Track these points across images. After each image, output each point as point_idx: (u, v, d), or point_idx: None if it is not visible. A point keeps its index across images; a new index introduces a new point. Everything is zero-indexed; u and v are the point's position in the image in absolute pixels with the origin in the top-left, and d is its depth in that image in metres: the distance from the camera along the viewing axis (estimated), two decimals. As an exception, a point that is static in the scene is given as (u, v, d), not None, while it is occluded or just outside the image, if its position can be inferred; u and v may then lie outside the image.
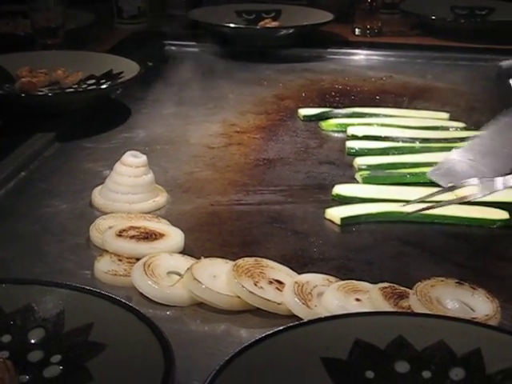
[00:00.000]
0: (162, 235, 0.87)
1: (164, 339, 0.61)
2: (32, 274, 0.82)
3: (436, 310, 0.72)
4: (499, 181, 0.93)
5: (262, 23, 1.87)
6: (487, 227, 0.96)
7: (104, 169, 1.08)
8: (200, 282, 0.76)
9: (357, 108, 1.35)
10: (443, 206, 0.94)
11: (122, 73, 1.36)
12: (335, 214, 0.97)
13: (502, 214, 0.97)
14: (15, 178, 1.07)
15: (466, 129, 1.26)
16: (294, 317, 0.74)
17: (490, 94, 1.31)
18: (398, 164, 1.11)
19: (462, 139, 1.18)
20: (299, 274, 0.81)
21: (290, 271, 0.82)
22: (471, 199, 0.93)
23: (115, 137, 1.24)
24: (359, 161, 1.13)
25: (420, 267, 0.89)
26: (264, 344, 0.61)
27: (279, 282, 0.78)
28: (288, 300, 0.75)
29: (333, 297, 0.76)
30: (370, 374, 0.62)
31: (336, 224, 0.96)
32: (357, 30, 1.90)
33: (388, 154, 1.16)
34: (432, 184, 1.02)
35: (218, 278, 0.78)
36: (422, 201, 0.95)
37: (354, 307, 0.74)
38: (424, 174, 1.06)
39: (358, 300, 0.76)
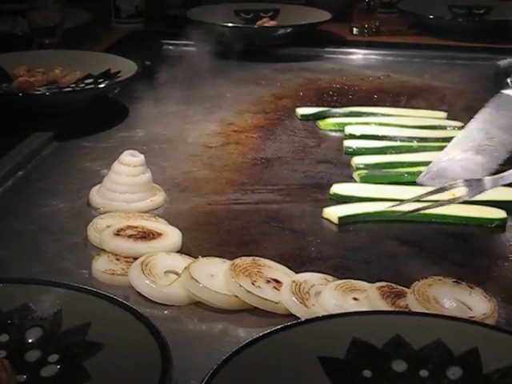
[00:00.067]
0: (159, 234, 0.87)
1: (161, 338, 0.61)
2: (30, 274, 0.82)
3: (433, 309, 0.72)
4: (488, 181, 0.93)
5: (259, 22, 1.87)
6: (485, 226, 0.96)
7: (102, 168, 1.08)
8: (197, 281, 0.76)
9: (354, 107, 1.35)
10: (439, 206, 0.94)
11: (119, 72, 1.36)
12: (333, 213, 0.97)
13: (500, 213, 0.97)
14: (13, 177, 1.07)
15: (463, 128, 1.25)
16: (291, 316, 0.74)
17: (488, 93, 1.31)
18: (396, 163, 1.11)
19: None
20: (297, 273, 0.81)
21: (288, 270, 0.82)
22: (463, 200, 0.93)
23: (113, 136, 1.24)
24: (357, 160, 1.13)
25: (417, 266, 0.89)
26: (261, 343, 0.61)
27: (277, 281, 0.78)
28: (285, 299, 0.75)
29: (330, 296, 0.76)
30: (367, 373, 0.62)
31: (334, 223, 0.96)
32: (355, 29, 1.90)
33: (386, 153, 1.16)
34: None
35: (215, 277, 0.79)
36: (418, 200, 0.95)
37: (351, 306, 0.74)
38: (422, 173, 1.06)
39: (355, 299, 0.76)
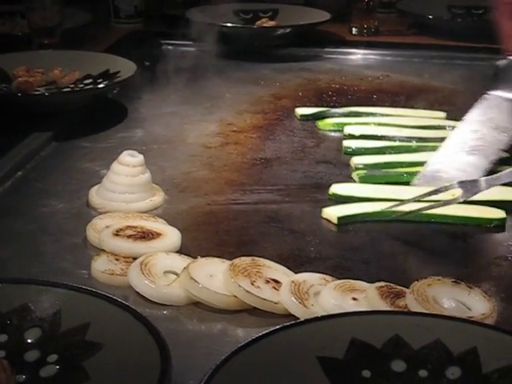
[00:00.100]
0: (158, 234, 0.87)
1: (160, 339, 0.61)
2: (29, 274, 0.82)
3: (432, 309, 0.72)
4: (483, 181, 0.93)
5: (259, 22, 1.87)
6: (484, 226, 0.96)
7: (101, 168, 1.08)
8: (197, 281, 0.76)
9: (354, 107, 1.35)
10: (437, 207, 0.94)
11: (118, 72, 1.36)
12: (332, 213, 0.97)
13: (499, 213, 0.97)
14: (12, 177, 1.07)
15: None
16: (290, 316, 0.74)
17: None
18: (395, 163, 1.11)
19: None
20: (296, 273, 0.81)
21: (287, 270, 0.82)
22: (460, 201, 0.93)
23: (112, 136, 1.24)
24: (356, 160, 1.13)
25: (416, 266, 0.89)
26: (260, 343, 0.61)
27: (276, 282, 0.78)
28: (285, 299, 0.75)
29: (329, 296, 0.76)
30: (366, 373, 0.62)
31: (333, 223, 0.96)
32: (354, 29, 1.90)
33: (385, 153, 1.16)
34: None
35: (214, 277, 0.79)
36: (417, 200, 0.96)
37: (350, 306, 0.74)
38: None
39: (354, 299, 0.76)
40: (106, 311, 0.65)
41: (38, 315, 0.67)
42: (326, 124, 1.29)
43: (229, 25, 1.80)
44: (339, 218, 0.96)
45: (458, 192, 0.94)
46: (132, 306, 0.66)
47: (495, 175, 0.95)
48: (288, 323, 0.64)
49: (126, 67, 1.37)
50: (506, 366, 0.61)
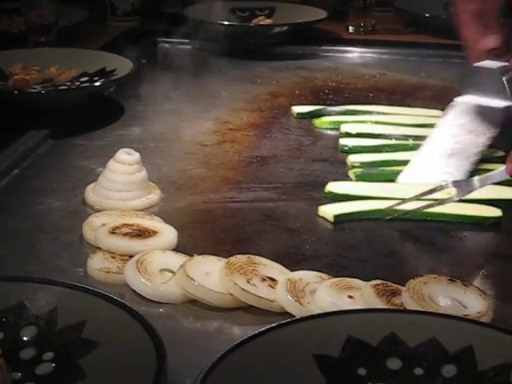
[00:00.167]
0: (154, 232, 0.87)
1: (156, 336, 0.61)
2: (25, 272, 0.82)
3: (428, 307, 0.72)
4: (476, 180, 0.94)
5: (255, 20, 1.87)
6: (480, 224, 0.97)
7: (97, 166, 1.08)
8: (193, 279, 0.76)
9: (350, 105, 1.35)
10: (432, 206, 0.95)
11: (115, 70, 1.36)
12: (328, 211, 0.97)
13: (495, 212, 0.97)
14: (8, 175, 1.07)
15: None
16: (286, 314, 0.74)
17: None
18: (392, 161, 1.11)
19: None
20: (292, 271, 0.81)
21: (283, 268, 0.82)
22: (454, 200, 0.94)
23: (108, 134, 1.24)
24: (352, 158, 1.13)
25: (412, 264, 0.89)
26: (256, 341, 0.61)
27: (272, 280, 0.78)
28: (281, 297, 0.75)
29: (325, 294, 0.76)
30: (362, 371, 0.62)
31: (329, 221, 0.96)
32: (350, 27, 1.90)
33: (381, 152, 1.16)
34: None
35: (210, 275, 0.79)
36: (413, 199, 0.96)
37: (346, 304, 0.74)
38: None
39: (350, 297, 0.76)
40: (102, 309, 0.65)
41: (33, 313, 0.67)
42: (322, 122, 1.29)
43: (225, 23, 1.79)
44: (335, 216, 0.96)
45: (452, 191, 0.94)
46: (128, 303, 0.66)
47: (488, 174, 0.96)
48: (284, 321, 0.64)
49: (122, 65, 1.37)
50: (502, 364, 0.61)
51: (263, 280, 0.78)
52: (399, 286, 0.77)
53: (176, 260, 0.82)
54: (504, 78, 1.10)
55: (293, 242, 0.91)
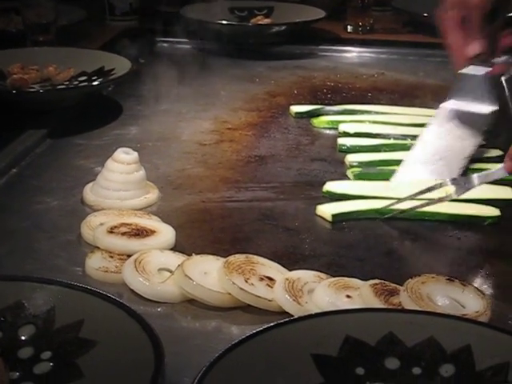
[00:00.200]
0: (153, 232, 0.87)
1: (154, 336, 0.61)
2: (23, 271, 0.82)
3: (426, 307, 0.72)
4: (475, 178, 0.94)
5: (254, 20, 1.87)
6: (478, 224, 0.97)
7: (95, 165, 1.08)
8: (191, 278, 0.76)
9: (348, 105, 1.35)
10: (430, 204, 0.95)
11: (113, 70, 1.36)
12: (326, 210, 0.97)
13: (493, 211, 0.97)
14: (6, 174, 1.07)
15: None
16: (284, 313, 0.74)
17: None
18: (390, 161, 1.11)
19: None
20: (290, 270, 0.81)
21: (281, 268, 0.82)
22: (452, 198, 0.94)
23: (107, 133, 1.24)
24: (351, 158, 1.13)
25: (411, 264, 0.89)
26: (255, 340, 0.61)
27: (270, 279, 0.78)
28: (279, 297, 0.75)
29: (323, 293, 0.76)
30: (360, 371, 0.62)
31: (327, 221, 0.96)
32: (349, 27, 1.90)
33: (380, 151, 1.16)
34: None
35: (208, 274, 0.79)
36: (412, 198, 0.96)
37: (344, 304, 0.74)
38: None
39: (348, 297, 0.76)
40: (100, 308, 0.65)
41: (31, 312, 0.67)
42: (320, 122, 1.29)
43: (224, 22, 1.80)
44: (333, 216, 0.96)
45: (451, 189, 0.94)
46: (126, 303, 0.66)
47: (486, 172, 0.96)
48: (282, 320, 0.64)
49: (120, 64, 1.37)
50: (500, 363, 0.61)
51: (261, 279, 0.78)
52: (397, 286, 0.77)
53: (174, 259, 0.82)
54: (503, 79, 1.10)
55: (291, 242, 0.91)
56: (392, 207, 0.96)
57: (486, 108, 1.11)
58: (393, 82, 1.55)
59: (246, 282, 0.77)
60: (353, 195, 1.01)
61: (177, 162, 1.14)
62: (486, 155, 1.13)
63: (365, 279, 0.78)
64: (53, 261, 0.86)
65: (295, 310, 0.74)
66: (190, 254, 0.82)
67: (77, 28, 1.77)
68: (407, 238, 0.94)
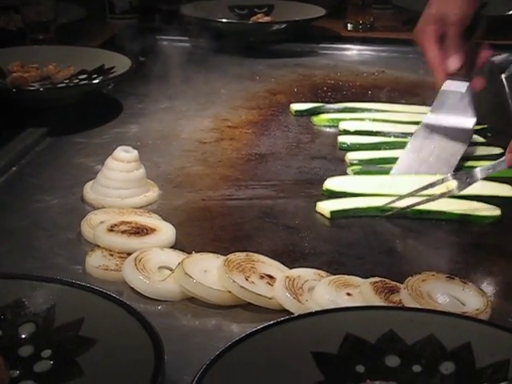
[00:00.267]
0: (153, 230, 0.87)
1: (155, 334, 0.61)
2: (23, 269, 0.82)
3: (427, 305, 0.72)
4: (477, 171, 0.94)
5: (254, 18, 1.87)
6: (479, 222, 0.96)
7: (96, 164, 1.08)
8: (191, 276, 0.76)
9: (349, 103, 1.35)
10: (432, 200, 0.95)
11: (113, 68, 1.36)
12: (325, 207, 0.97)
13: (494, 211, 0.97)
14: (6, 172, 1.07)
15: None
16: (284, 311, 0.74)
17: (482, 89, 1.31)
18: (390, 159, 1.11)
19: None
20: (290, 268, 0.81)
21: (281, 266, 0.82)
22: (454, 193, 0.94)
23: (107, 132, 1.24)
24: (351, 155, 1.13)
25: (411, 262, 0.89)
26: (255, 338, 0.61)
27: (270, 277, 0.78)
28: (279, 295, 0.75)
29: (324, 291, 0.76)
30: (360, 368, 0.62)
31: (327, 218, 0.96)
32: (349, 25, 1.90)
33: (380, 149, 1.16)
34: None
35: (209, 272, 0.79)
36: (411, 195, 0.96)
37: (344, 302, 0.74)
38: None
39: (348, 294, 0.76)
40: (100, 306, 0.65)
41: (32, 310, 0.67)
42: (320, 119, 1.29)
43: (224, 20, 1.80)
44: (332, 212, 0.96)
45: (452, 184, 0.94)
46: (126, 301, 0.66)
47: (488, 165, 0.96)
48: (282, 318, 0.64)
49: (120, 63, 1.37)
50: (500, 361, 0.61)
51: (261, 277, 0.78)
52: (397, 284, 0.77)
53: (174, 257, 0.82)
54: (503, 76, 1.10)
55: (291, 240, 0.91)
56: (392, 205, 0.96)
57: (467, 121, 1.12)
58: (393, 80, 1.55)
59: (247, 280, 0.77)
60: (352, 193, 1.01)
61: (177, 160, 1.14)
62: (486, 153, 1.13)
63: (365, 277, 0.78)
64: (53, 259, 0.86)
65: (295, 308, 0.74)
66: (190, 252, 0.82)
67: (77, 26, 1.77)
68: (407, 236, 0.94)
